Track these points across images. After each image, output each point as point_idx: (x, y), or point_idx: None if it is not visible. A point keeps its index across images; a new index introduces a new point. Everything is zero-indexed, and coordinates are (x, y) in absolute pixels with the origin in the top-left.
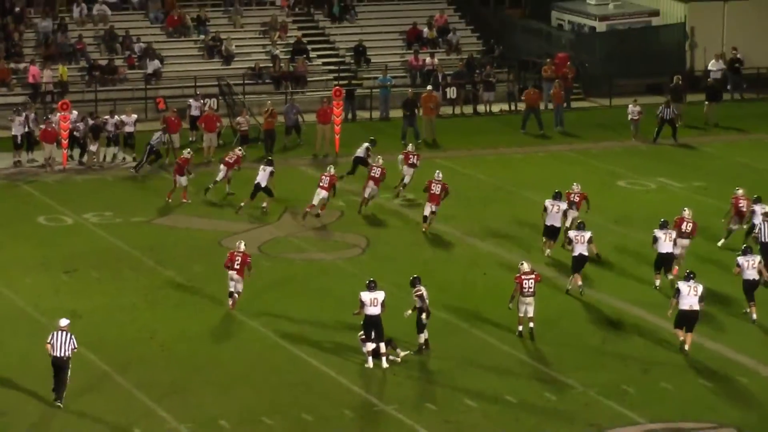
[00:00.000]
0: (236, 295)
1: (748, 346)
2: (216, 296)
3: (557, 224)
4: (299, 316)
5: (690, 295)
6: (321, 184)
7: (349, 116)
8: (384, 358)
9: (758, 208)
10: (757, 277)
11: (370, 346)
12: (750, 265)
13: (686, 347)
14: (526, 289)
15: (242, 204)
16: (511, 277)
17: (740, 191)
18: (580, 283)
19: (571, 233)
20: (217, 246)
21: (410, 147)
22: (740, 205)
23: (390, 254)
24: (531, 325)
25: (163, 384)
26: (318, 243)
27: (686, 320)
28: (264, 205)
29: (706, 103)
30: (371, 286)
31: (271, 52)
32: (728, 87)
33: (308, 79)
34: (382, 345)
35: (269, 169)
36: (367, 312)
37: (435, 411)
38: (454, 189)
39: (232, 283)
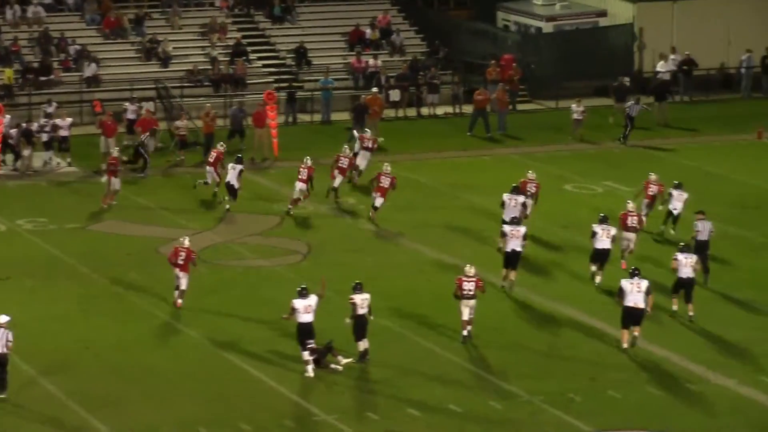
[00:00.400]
0: (182, 289)
1: (697, 352)
2: (152, 304)
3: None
4: (238, 324)
5: (633, 293)
6: (299, 177)
7: (290, 119)
8: (309, 367)
9: (675, 193)
10: (692, 274)
11: (306, 354)
12: (688, 263)
13: (625, 346)
14: (465, 292)
15: (227, 207)
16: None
17: (653, 176)
18: (513, 278)
19: (506, 228)
20: (153, 253)
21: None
22: (650, 190)
23: (331, 260)
24: (468, 329)
25: (98, 394)
26: (258, 249)
27: (631, 318)
28: (225, 202)
29: (655, 103)
30: (303, 293)
31: (210, 54)
32: (678, 89)
33: (248, 81)
34: (307, 353)
35: (239, 167)
36: (300, 320)
37: (377, 421)
38: (398, 194)
39: (177, 280)
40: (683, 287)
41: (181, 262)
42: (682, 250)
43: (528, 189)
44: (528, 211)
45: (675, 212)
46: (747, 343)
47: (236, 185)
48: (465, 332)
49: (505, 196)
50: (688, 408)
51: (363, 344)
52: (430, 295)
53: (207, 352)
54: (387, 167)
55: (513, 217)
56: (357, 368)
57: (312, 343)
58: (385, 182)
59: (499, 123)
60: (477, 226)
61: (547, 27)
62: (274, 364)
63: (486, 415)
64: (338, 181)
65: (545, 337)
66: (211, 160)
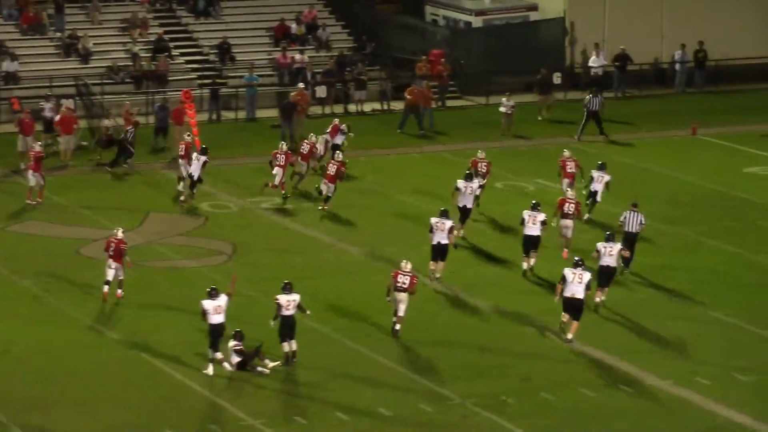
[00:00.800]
0: (120, 279)
1: (632, 353)
2: (74, 307)
3: (469, 205)
4: (162, 327)
5: (574, 283)
6: (277, 163)
7: (214, 117)
8: (211, 366)
9: (596, 174)
10: (613, 264)
11: (217, 354)
12: (608, 252)
13: (569, 336)
14: (399, 284)
15: (182, 198)
16: (384, 284)
17: (567, 153)
18: (437, 276)
19: (433, 220)
20: (74, 254)
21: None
22: (567, 166)
23: (257, 261)
24: (398, 325)
25: (18, 399)
26: (182, 250)
27: (570, 308)
28: (183, 196)
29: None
30: (213, 294)
31: (131, 50)
32: (613, 84)
33: (170, 78)
34: (219, 354)
35: (203, 158)
36: (210, 321)
37: (305, 425)
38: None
39: (110, 272)
40: (602, 276)
41: (111, 253)
42: (606, 239)
43: (479, 168)
44: (478, 192)
45: (595, 193)
46: (682, 343)
47: (195, 175)
48: (397, 326)
49: (460, 183)
50: (623, 410)
51: (289, 346)
52: (358, 296)
53: (131, 356)
54: (338, 155)
55: (443, 210)
56: (284, 371)
57: (240, 345)
58: (332, 169)
59: (421, 120)
60: (406, 225)
61: (477, 21)
62: (200, 367)
63: (416, 418)
64: (303, 168)
65: (477, 338)
66: (182, 153)
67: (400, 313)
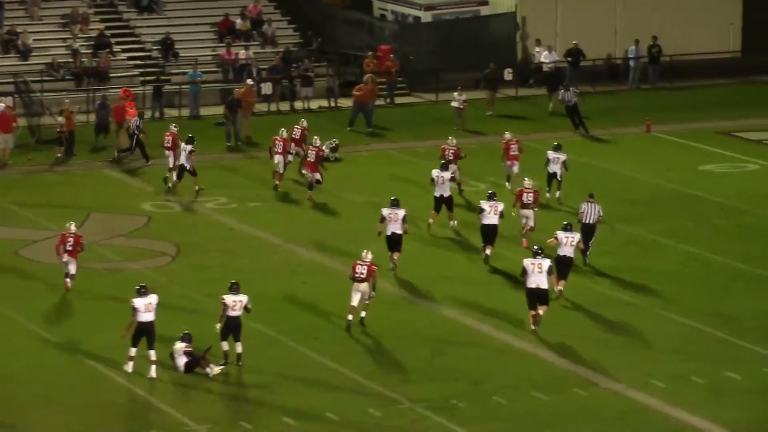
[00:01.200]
0: (72, 274)
1: (585, 356)
2: (13, 310)
3: (446, 194)
4: (104, 330)
5: (535, 273)
6: (276, 150)
7: (157, 114)
8: (154, 367)
9: (552, 155)
10: (571, 254)
11: (133, 351)
12: (569, 242)
13: (533, 328)
14: (357, 274)
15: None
16: (333, 285)
17: (508, 134)
18: (392, 266)
19: (385, 211)
20: (13, 256)
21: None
22: (511, 149)
23: (202, 262)
24: (355, 316)
25: None
26: (124, 251)
27: (535, 298)
28: (197, 188)
29: (548, 94)
30: (142, 292)
31: (71, 47)
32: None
33: (112, 75)
34: (152, 353)
35: (189, 147)
36: (140, 318)
37: (251, 430)
38: (272, 194)
39: (67, 266)
40: (561, 265)
41: (69, 248)
42: (564, 228)
43: (446, 156)
44: (458, 176)
45: (554, 174)
46: (636, 345)
47: (187, 166)
48: (350, 318)
49: (434, 173)
50: (577, 414)
51: (229, 347)
52: (305, 298)
53: (71, 360)
54: (316, 140)
55: (394, 199)
56: (229, 375)
57: (190, 347)
58: (311, 156)
59: (369, 118)
60: (354, 224)
61: (426, 16)
62: (144, 372)
63: (365, 422)
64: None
65: (426, 340)
66: (168, 144)
67: (354, 303)
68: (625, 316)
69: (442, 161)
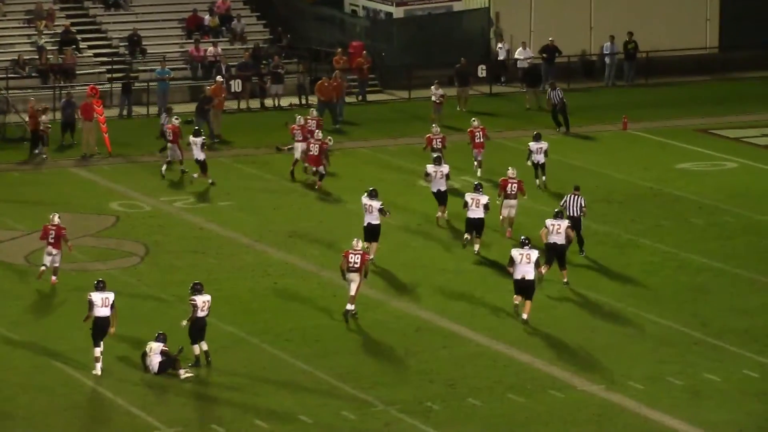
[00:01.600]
0: (56, 266)
1: (562, 357)
2: None
3: (443, 188)
4: (72, 332)
5: (523, 264)
6: (297, 138)
7: (125, 112)
8: (98, 365)
9: (534, 146)
10: (561, 241)
11: (98, 351)
12: (555, 230)
13: (525, 316)
14: (351, 264)
15: (195, 175)
16: (304, 286)
17: (475, 122)
18: (372, 257)
19: (363, 199)
20: None
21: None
22: (476, 136)
23: (171, 263)
24: (350, 305)
25: None
26: (91, 252)
27: (521, 289)
28: (195, 175)
29: (526, 89)
30: (100, 286)
31: (36, 43)
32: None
33: (78, 72)
34: (99, 350)
35: (200, 140)
36: (97, 313)
37: None
38: (241, 193)
39: (48, 258)
40: (553, 253)
41: (52, 240)
42: (554, 216)
43: (434, 145)
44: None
45: (540, 165)
46: (614, 346)
47: (201, 158)
48: (349, 306)
49: (430, 168)
50: (553, 416)
51: (201, 347)
52: (276, 299)
53: (39, 363)
54: (318, 134)
55: (371, 190)
56: (200, 377)
57: (166, 348)
58: (314, 149)
59: (336, 114)
60: (325, 225)
61: (398, 12)
62: (112, 374)
63: (338, 425)
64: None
65: (400, 341)
66: (170, 138)
67: (352, 292)
68: (601, 317)
69: (435, 156)
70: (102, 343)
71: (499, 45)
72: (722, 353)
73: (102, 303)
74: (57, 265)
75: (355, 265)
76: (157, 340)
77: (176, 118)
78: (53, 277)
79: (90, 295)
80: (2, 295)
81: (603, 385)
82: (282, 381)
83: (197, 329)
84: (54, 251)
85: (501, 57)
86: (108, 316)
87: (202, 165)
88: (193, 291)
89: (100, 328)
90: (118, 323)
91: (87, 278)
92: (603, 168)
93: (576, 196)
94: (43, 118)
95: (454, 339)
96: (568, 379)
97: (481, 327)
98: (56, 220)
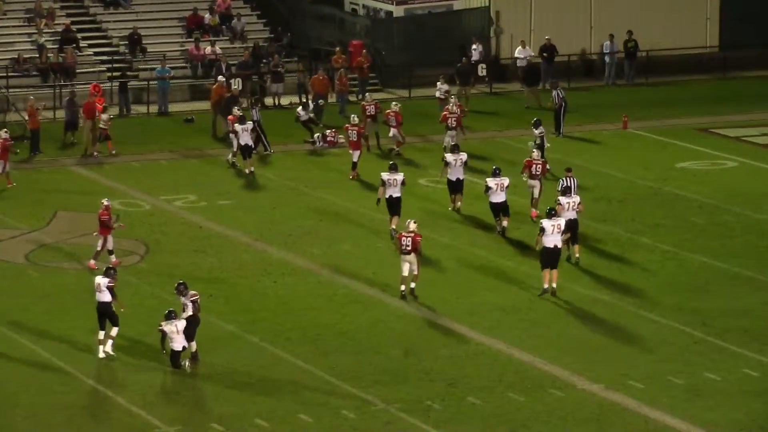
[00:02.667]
0: (109, 249)
1: (562, 356)
2: None
3: (461, 176)
4: (72, 330)
5: (554, 233)
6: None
7: (124, 111)
8: (101, 347)
9: (537, 133)
10: (575, 217)
11: (101, 334)
12: (570, 206)
13: (554, 285)
14: (404, 247)
15: (252, 169)
16: (304, 285)
17: (452, 104)
18: (393, 226)
19: (384, 175)
20: None
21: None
22: (449, 121)
23: (171, 262)
24: (412, 285)
25: None
26: (92, 250)
27: (550, 258)
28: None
29: (526, 88)
30: (108, 272)
31: (36, 42)
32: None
33: (78, 70)
34: (116, 330)
35: (249, 125)
36: (100, 299)
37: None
38: (241, 191)
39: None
40: (569, 229)
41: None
42: (564, 193)
43: (449, 123)
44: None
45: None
46: (614, 345)
47: (249, 143)
48: (402, 288)
49: (449, 157)
50: (553, 415)
51: (192, 345)
52: (276, 298)
53: (39, 361)
54: (354, 118)
55: (392, 163)
56: (200, 376)
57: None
58: (353, 135)
59: (317, 110)
60: (325, 223)
61: (398, 11)
62: (113, 372)
63: (338, 424)
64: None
65: (400, 340)
66: (231, 128)
67: (404, 273)
68: (601, 316)
69: (453, 144)
70: (114, 327)
71: (473, 46)
72: (722, 352)
73: (102, 286)
74: (110, 248)
75: (407, 248)
76: (168, 317)
77: (238, 109)
78: (92, 261)
79: (95, 278)
80: (2, 294)
81: (603, 384)
82: (282, 380)
83: (194, 327)
84: (101, 236)
85: (474, 58)
86: (109, 302)
87: (247, 150)
88: (179, 291)
89: (102, 313)
90: (119, 323)
91: (87, 277)
92: (603, 167)
93: (570, 178)
94: (103, 116)
95: (454, 338)
96: (568, 378)
97: (481, 326)
98: (105, 202)
